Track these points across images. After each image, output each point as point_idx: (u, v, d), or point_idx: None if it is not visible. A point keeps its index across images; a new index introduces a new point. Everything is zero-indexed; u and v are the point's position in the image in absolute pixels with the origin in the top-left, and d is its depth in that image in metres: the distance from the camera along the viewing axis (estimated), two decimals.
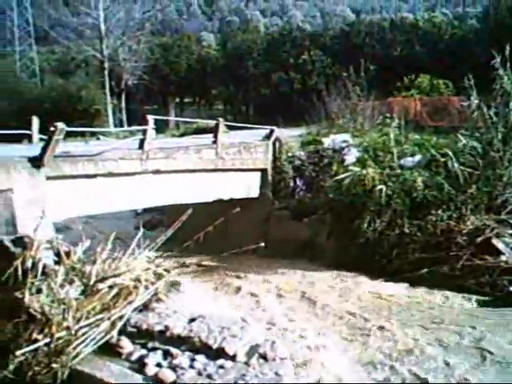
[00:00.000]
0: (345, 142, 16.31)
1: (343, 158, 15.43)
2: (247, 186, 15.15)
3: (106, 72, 37.90)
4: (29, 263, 8.07)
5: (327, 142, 16.64)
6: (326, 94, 22.07)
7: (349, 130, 18.09)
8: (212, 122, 15.69)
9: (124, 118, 39.91)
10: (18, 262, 8.00)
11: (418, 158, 14.57)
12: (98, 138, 20.28)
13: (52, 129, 9.58)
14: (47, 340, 6.97)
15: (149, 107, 44.66)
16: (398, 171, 13.83)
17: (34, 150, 10.33)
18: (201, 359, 6.81)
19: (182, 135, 25.31)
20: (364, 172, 13.78)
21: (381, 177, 13.64)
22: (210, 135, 14.68)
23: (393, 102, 24.24)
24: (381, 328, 9.61)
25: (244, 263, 12.94)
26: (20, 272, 7.93)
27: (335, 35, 41.29)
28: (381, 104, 21.80)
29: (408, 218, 13.01)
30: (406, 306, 10.82)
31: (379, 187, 13.28)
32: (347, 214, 13.53)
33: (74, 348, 6.96)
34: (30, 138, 15.58)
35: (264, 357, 6.86)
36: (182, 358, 6.84)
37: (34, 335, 7.04)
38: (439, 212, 12.73)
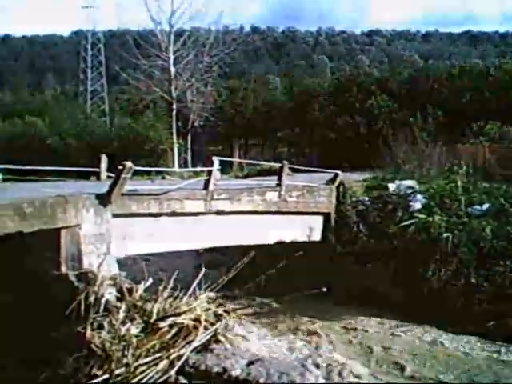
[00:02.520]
0: (410, 188, 16.08)
1: (408, 204, 15.19)
2: (310, 230, 15.04)
3: (174, 113, 38.72)
4: (92, 298, 8.19)
5: (392, 187, 16.43)
6: (392, 139, 21.91)
7: (415, 175, 17.83)
8: (276, 165, 15.76)
9: (189, 158, 40.54)
10: (81, 297, 8.14)
11: (486, 206, 14.22)
12: (164, 178, 20.66)
13: (120, 167, 9.78)
14: (106, 376, 7.01)
15: (213, 148, 45.27)
16: (466, 219, 13.53)
17: (102, 187, 10.56)
18: None
19: (245, 176, 25.49)
20: (430, 219, 13.54)
21: (447, 224, 13.36)
22: (274, 177, 14.72)
23: (461, 148, 23.80)
24: None
25: (305, 307, 12.77)
26: (83, 307, 8.06)
27: (403, 80, 41.07)
28: (448, 150, 21.45)
29: (475, 268, 12.65)
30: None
31: (445, 235, 13.01)
32: (412, 261, 13.25)
33: None
34: (98, 175, 15.99)
35: None
36: None
37: (94, 370, 7.09)
38: (508, 263, 12.34)
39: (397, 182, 16.90)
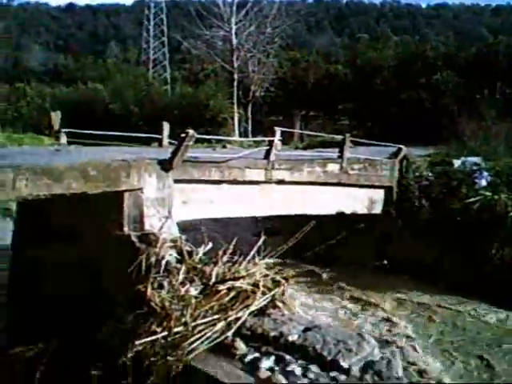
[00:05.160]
0: (476, 164, 15.66)
1: (474, 181, 14.81)
2: (370, 203, 14.91)
3: (235, 83, 38.79)
4: (153, 259, 8.36)
5: (457, 163, 16.05)
6: (457, 116, 21.36)
7: (481, 153, 17.36)
8: (337, 137, 15.60)
9: (249, 128, 40.62)
10: (142, 257, 8.31)
11: None
12: (225, 146, 20.77)
13: (183, 135, 9.86)
14: (165, 333, 7.17)
15: (274, 119, 45.15)
16: None
17: (164, 153, 10.68)
18: (314, 369, 6.72)
19: (305, 148, 25.35)
20: (496, 197, 13.21)
21: None
22: (335, 149, 14.60)
23: None
24: None
25: (364, 279, 12.75)
26: (144, 267, 8.23)
27: (470, 56, 39.91)
28: None
29: None
30: None
31: (511, 214, 12.68)
32: (474, 239, 12.98)
33: (190, 344, 7.09)
34: (159, 142, 16.17)
35: (379, 374, 6.68)
36: (295, 366, 6.79)
37: (153, 327, 7.26)
38: None
39: (462, 158, 16.49)
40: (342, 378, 6.60)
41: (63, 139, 14.93)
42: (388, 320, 11.06)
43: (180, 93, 42.77)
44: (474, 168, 15.45)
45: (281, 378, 6.52)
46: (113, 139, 16.23)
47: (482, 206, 13.43)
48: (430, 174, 15.79)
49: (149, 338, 7.10)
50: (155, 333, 7.15)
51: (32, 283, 9.92)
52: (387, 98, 37.93)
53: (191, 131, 9.80)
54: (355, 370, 6.78)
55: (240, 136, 36.08)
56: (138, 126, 24.57)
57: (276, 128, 12.58)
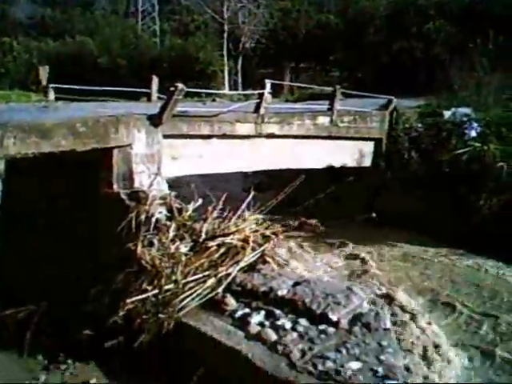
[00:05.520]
0: (466, 115, 15.57)
1: (463, 132, 14.76)
2: (360, 155, 14.88)
3: (225, 34, 38.27)
4: (142, 217, 8.36)
5: (447, 114, 15.95)
6: (448, 65, 21.14)
7: (471, 103, 17.24)
8: (328, 89, 15.46)
9: (239, 80, 40.24)
10: (132, 215, 8.31)
11: None
12: (214, 100, 20.58)
13: (172, 89, 9.75)
14: (156, 291, 7.24)
15: (264, 71, 44.63)
16: None
17: (153, 108, 10.58)
18: (303, 323, 6.84)
19: (296, 100, 25.15)
20: (485, 148, 13.21)
21: (502, 154, 13.00)
22: (325, 102, 14.48)
23: None
24: None
25: (353, 231, 12.81)
26: (134, 225, 8.25)
27: (463, 4, 39.28)
28: (508, 78, 20.55)
29: None
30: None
31: (500, 164, 12.69)
32: (463, 189, 13.02)
33: (181, 301, 7.19)
34: (148, 96, 16.01)
35: (367, 326, 6.79)
36: (285, 320, 6.90)
37: (144, 285, 7.33)
38: None
39: (452, 109, 16.38)
40: (331, 330, 6.71)
41: (51, 95, 14.75)
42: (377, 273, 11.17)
43: (169, 45, 42.09)
44: (464, 119, 15.37)
45: (271, 332, 6.63)
46: (101, 94, 16.07)
47: (470, 157, 13.43)
48: (420, 126, 15.72)
49: (140, 297, 7.17)
50: (146, 291, 7.22)
51: (22, 244, 9.92)
52: (379, 48, 37.47)
53: (180, 85, 9.69)
54: (344, 323, 6.89)
55: (230, 89, 35.78)
56: (127, 80, 24.21)
57: (266, 80, 12.43)
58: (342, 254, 12.25)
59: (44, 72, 16.99)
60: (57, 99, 14.57)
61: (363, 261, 11.83)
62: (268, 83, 12.35)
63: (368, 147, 15.16)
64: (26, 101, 20.04)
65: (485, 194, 12.71)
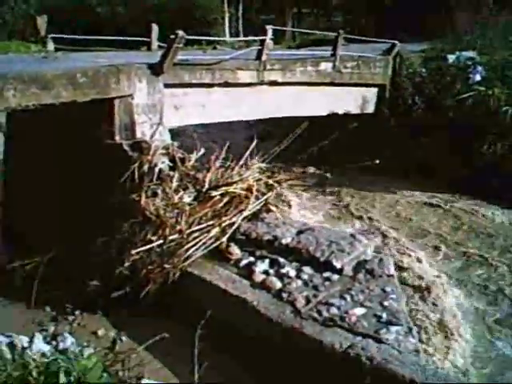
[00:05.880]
0: (471, 59, 15.31)
1: (468, 76, 14.54)
2: (363, 102, 14.72)
3: None
4: (145, 168, 8.34)
5: (452, 58, 15.67)
6: (454, 8, 20.72)
7: (477, 46, 16.93)
8: (330, 34, 15.19)
9: (240, 27, 39.59)
10: (135, 166, 8.29)
11: None
12: (215, 48, 20.29)
13: (172, 36, 9.58)
14: (160, 241, 7.29)
15: (265, 17, 43.88)
16: None
17: (154, 57, 10.43)
18: (307, 270, 6.91)
19: (298, 47, 24.81)
20: (490, 92, 13.04)
21: (507, 98, 12.83)
22: (328, 47, 14.25)
23: None
24: None
25: (357, 179, 12.78)
26: (137, 176, 8.24)
27: None
28: None
29: None
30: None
31: (505, 108, 12.54)
32: (468, 135, 12.90)
33: (186, 251, 7.24)
34: (148, 45, 15.78)
35: (371, 273, 6.85)
36: (289, 268, 6.97)
37: (149, 236, 7.38)
38: None
39: (457, 53, 16.10)
40: (335, 277, 6.78)
41: (50, 45, 14.54)
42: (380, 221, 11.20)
43: None
44: (469, 63, 15.12)
45: (275, 281, 6.69)
46: (101, 44, 15.84)
47: (475, 102, 13.26)
48: (424, 71, 15.46)
49: (145, 247, 7.21)
50: (151, 241, 7.27)
51: (26, 197, 9.95)
52: None
53: (181, 32, 9.51)
54: (348, 270, 6.96)
55: (231, 36, 35.23)
56: (127, 30, 23.84)
57: (267, 27, 12.20)
58: (345, 201, 12.25)
59: (42, 22, 16.67)
60: (56, 49, 14.36)
61: (363, 208, 11.87)
62: (269, 29, 12.13)
63: (371, 93, 14.98)
64: (25, 51, 19.77)
65: (489, 138, 12.60)
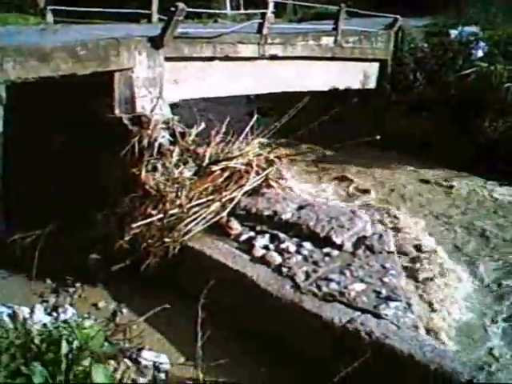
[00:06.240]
0: (473, 34, 15.18)
1: (470, 51, 14.43)
2: (364, 77, 14.63)
3: None
4: (145, 142, 8.33)
5: (454, 33, 15.54)
6: None
7: (479, 21, 16.77)
8: (333, 8, 15.06)
9: (241, 0, 39.20)
10: (135, 140, 8.27)
11: None
12: (216, 21, 20.15)
13: (172, 9, 9.49)
14: (160, 215, 7.29)
15: None
16: None
17: (154, 30, 10.34)
18: (307, 246, 6.92)
19: (299, 21, 24.58)
20: (492, 68, 12.95)
21: (510, 74, 12.75)
22: (330, 21, 14.14)
23: None
24: None
25: (358, 155, 12.72)
26: (137, 150, 8.22)
27: None
28: None
29: None
30: None
31: (507, 85, 12.47)
32: (469, 111, 12.85)
33: (186, 225, 7.25)
34: (149, 18, 15.65)
35: (371, 249, 6.87)
36: (289, 243, 6.98)
37: (149, 210, 7.39)
38: None
39: (459, 28, 15.96)
40: (335, 253, 6.80)
41: (49, 18, 14.43)
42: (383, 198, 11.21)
43: None
44: (471, 38, 15.00)
45: (275, 255, 6.71)
46: (101, 16, 15.72)
47: (477, 78, 13.19)
48: (426, 46, 15.34)
49: (145, 221, 7.22)
50: (151, 215, 7.28)
51: (25, 171, 9.91)
52: None
53: (181, 4, 9.42)
54: (348, 246, 6.98)
55: (232, 9, 34.87)
56: (127, 2, 23.62)
57: (268, 0, 12.12)
58: (345, 178, 12.23)
59: None
60: (55, 22, 14.26)
61: (362, 184, 11.87)
62: (271, 2, 12.03)
63: (373, 68, 14.89)
64: (24, 24, 19.59)
65: (490, 115, 12.55)
